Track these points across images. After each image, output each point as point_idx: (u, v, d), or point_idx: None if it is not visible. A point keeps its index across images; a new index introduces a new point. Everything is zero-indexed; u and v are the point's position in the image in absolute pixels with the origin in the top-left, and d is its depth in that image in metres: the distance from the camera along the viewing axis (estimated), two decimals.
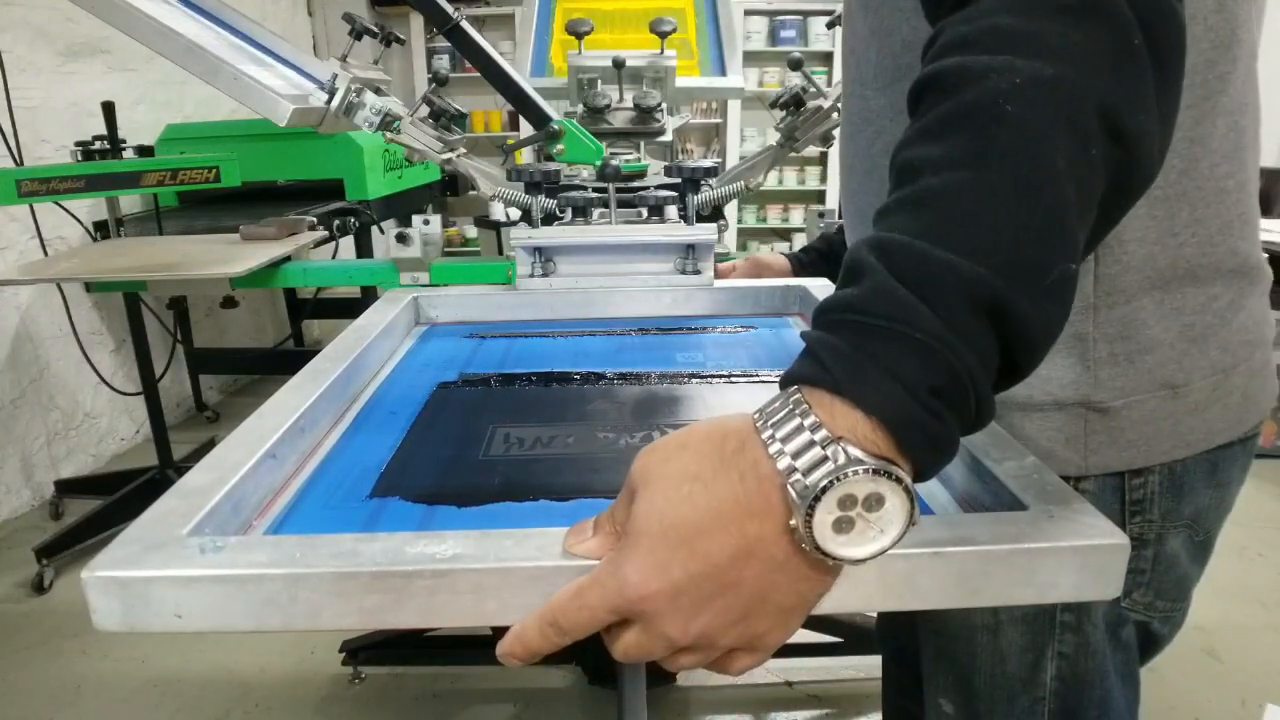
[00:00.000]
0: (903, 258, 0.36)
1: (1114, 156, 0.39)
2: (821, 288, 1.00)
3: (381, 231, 2.75)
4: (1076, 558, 0.44)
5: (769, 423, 0.37)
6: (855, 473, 0.34)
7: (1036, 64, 0.37)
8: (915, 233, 0.37)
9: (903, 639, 1.00)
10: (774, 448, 0.36)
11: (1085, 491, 0.63)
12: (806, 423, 0.36)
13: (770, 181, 1.48)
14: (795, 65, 1.29)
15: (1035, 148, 0.37)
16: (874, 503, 0.35)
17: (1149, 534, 0.64)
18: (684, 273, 1.05)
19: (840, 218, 1.17)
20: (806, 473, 0.35)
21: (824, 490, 0.34)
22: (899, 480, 0.35)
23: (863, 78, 0.68)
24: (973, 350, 0.36)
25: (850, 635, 1.75)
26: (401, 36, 1.34)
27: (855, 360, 0.35)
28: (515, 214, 1.10)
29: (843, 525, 0.36)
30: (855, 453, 0.35)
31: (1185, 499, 0.64)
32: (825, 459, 0.35)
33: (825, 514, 0.35)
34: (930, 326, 0.35)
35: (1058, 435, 0.62)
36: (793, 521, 0.36)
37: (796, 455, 0.35)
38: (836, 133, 1.35)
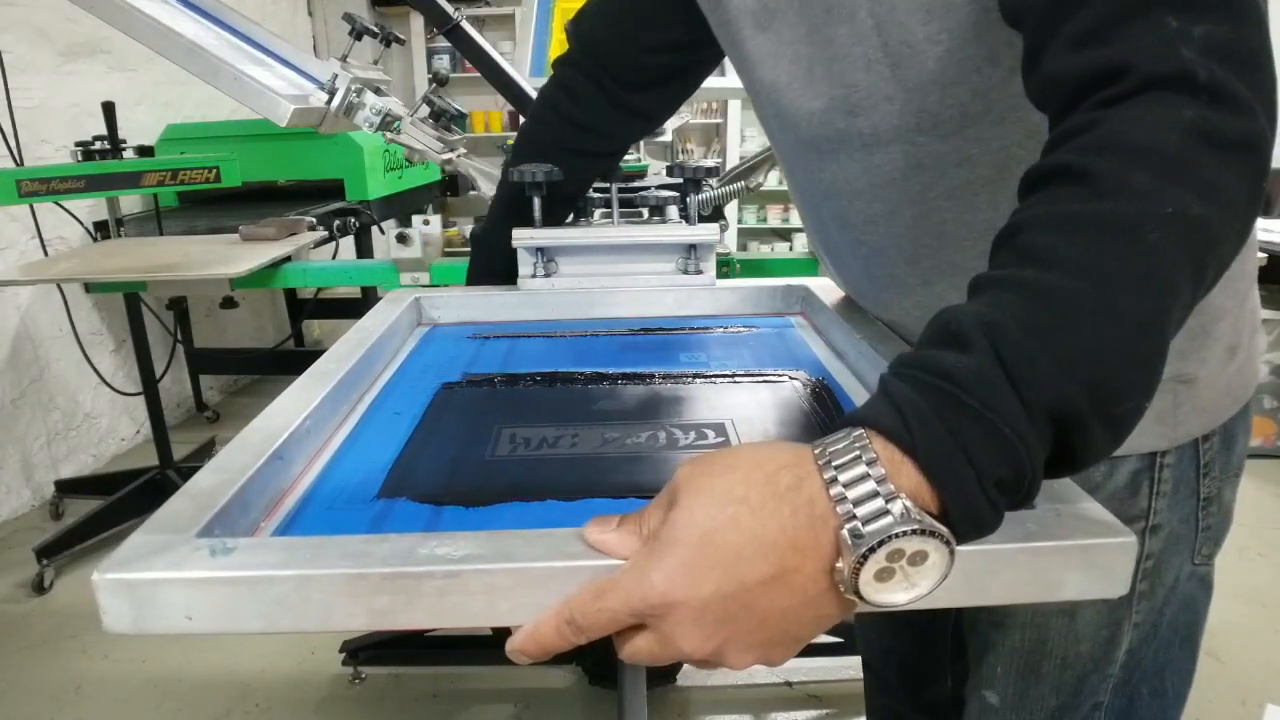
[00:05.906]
0: (1011, 349, 0.37)
1: (1203, 292, 0.41)
2: (823, 288, 1.00)
3: (382, 232, 2.74)
4: (1083, 556, 0.44)
5: (832, 463, 0.37)
6: (911, 531, 0.35)
7: (1189, 199, 0.39)
8: (1028, 327, 0.38)
9: (887, 641, 1.01)
10: (835, 490, 0.36)
11: (1168, 465, 0.66)
12: (873, 472, 0.36)
13: (770, 181, 1.49)
14: None
15: (1162, 287, 0.39)
16: (918, 559, 0.36)
17: (1213, 490, 0.68)
18: (686, 273, 1.05)
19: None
20: (866, 521, 0.36)
21: (881, 543, 0.35)
22: (947, 543, 0.36)
23: (920, 125, 0.63)
24: (1042, 452, 0.37)
25: (850, 635, 1.75)
26: (401, 36, 1.34)
27: (940, 433, 0.36)
28: None
29: (884, 575, 0.36)
30: (913, 510, 0.36)
31: (1233, 450, 0.69)
32: (886, 512, 0.35)
33: (874, 564, 0.36)
34: (1019, 425, 0.36)
35: (1150, 412, 0.63)
36: (839, 564, 0.37)
37: (858, 503, 0.36)
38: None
